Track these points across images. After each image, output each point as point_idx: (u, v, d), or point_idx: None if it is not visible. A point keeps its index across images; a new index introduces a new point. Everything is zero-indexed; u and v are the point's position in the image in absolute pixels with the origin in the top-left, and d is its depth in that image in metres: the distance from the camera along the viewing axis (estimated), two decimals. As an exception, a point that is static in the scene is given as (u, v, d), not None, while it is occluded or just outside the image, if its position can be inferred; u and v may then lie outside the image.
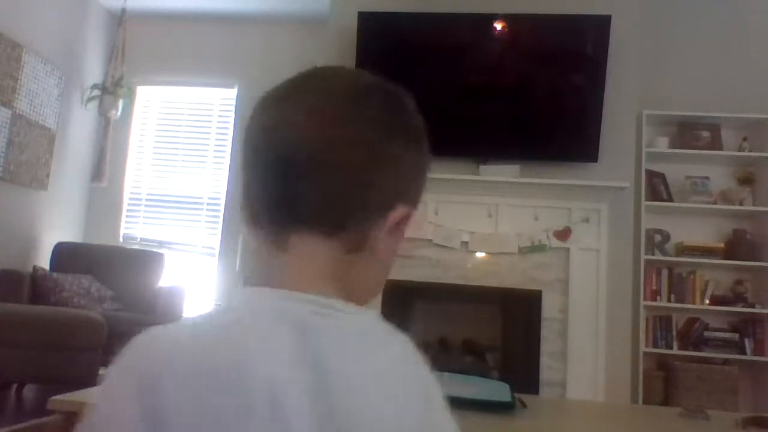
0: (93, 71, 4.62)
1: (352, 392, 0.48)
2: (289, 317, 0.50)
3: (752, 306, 3.71)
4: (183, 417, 0.47)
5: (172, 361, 0.49)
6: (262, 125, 0.57)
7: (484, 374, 3.36)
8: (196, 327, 0.54)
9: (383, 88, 0.58)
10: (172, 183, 4.71)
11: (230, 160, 4.60)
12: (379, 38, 3.75)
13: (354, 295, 0.55)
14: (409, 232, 0.60)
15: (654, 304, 3.74)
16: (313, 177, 0.53)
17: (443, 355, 3.75)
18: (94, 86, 4.52)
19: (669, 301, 3.76)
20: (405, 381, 0.52)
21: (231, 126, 4.69)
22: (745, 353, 3.66)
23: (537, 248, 3.58)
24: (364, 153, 0.54)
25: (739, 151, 3.84)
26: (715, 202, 3.83)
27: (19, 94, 3.88)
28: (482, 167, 3.65)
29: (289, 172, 0.53)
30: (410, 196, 0.58)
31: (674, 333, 3.74)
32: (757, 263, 3.69)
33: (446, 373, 1.68)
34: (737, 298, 3.75)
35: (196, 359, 0.49)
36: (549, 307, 3.56)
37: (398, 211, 0.56)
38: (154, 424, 0.47)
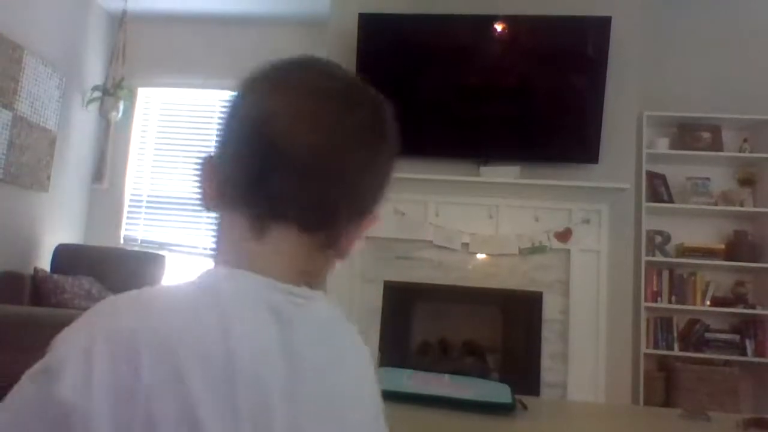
0: (94, 73, 4.63)
1: (320, 379, 0.54)
2: (269, 304, 0.52)
3: (753, 307, 3.71)
4: (158, 395, 0.44)
5: (149, 334, 0.46)
6: (253, 114, 0.57)
7: (484, 375, 3.36)
8: (170, 300, 0.51)
9: (370, 95, 0.60)
10: (173, 185, 4.72)
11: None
12: (379, 40, 3.75)
13: (311, 282, 0.58)
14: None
15: (655, 305, 3.74)
16: (303, 178, 0.54)
17: (444, 356, 3.75)
18: (95, 88, 4.52)
19: (670, 302, 3.76)
20: (362, 367, 0.62)
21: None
22: (746, 354, 3.66)
23: (537, 249, 3.58)
24: (355, 161, 0.56)
25: (740, 152, 3.84)
26: (715, 203, 3.83)
27: (19, 95, 3.88)
28: (483, 168, 3.65)
29: (279, 169, 0.54)
30: (382, 200, 0.60)
31: (675, 334, 3.74)
32: (758, 264, 3.69)
33: (446, 375, 1.68)
34: (738, 299, 3.75)
35: (179, 335, 0.46)
36: (549, 308, 3.56)
37: (372, 216, 0.59)
38: (125, 399, 0.44)
